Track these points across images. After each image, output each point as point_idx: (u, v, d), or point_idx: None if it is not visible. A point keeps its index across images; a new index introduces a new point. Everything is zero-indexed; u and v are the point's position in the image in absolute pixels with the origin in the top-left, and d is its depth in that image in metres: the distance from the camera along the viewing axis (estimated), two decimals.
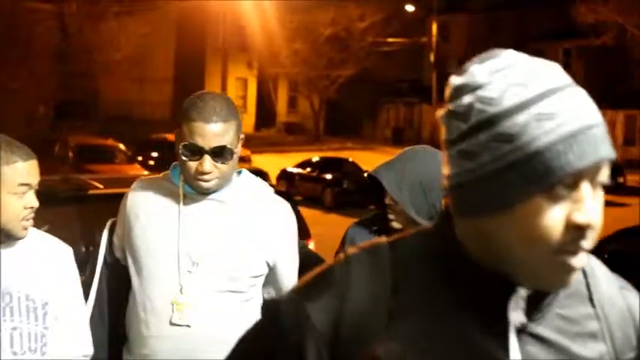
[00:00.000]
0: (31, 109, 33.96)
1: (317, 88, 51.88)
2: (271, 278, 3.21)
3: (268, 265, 3.16)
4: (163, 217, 3.08)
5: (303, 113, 56.87)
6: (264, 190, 3.24)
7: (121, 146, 25.64)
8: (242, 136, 3.07)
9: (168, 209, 3.09)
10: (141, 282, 3.08)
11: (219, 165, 2.97)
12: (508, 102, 1.32)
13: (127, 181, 3.67)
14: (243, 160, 25.85)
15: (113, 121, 39.56)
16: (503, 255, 1.36)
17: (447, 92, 1.40)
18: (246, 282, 3.08)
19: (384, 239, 1.49)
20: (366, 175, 3.55)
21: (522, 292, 1.38)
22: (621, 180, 33.96)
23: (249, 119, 53.49)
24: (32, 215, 2.79)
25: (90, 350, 3.03)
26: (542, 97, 1.32)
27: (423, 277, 1.42)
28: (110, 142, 26.19)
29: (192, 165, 2.97)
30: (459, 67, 1.42)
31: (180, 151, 2.98)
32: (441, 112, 1.40)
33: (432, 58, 49.75)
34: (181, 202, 3.07)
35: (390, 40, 50.08)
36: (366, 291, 1.41)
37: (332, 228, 12.83)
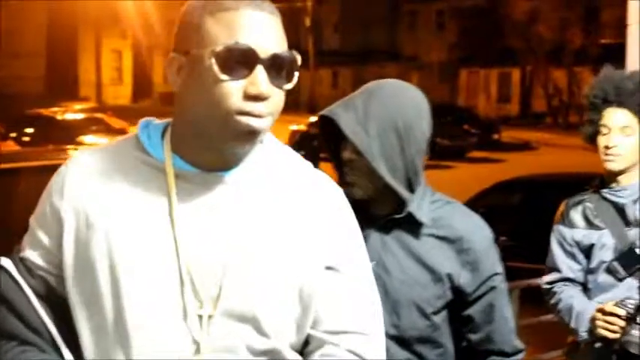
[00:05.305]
0: None
1: None
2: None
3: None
4: (143, 218, 1.73)
5: None
6: (293, 158, 1.88)
7: None
8: None
9: (149, 203, 1.74)
10: (108, 333, 1.73)
11: (274, 88, 1.69)
12: None
13: (1, 158, 3.48)
14: (120, 132, 25.39)
15: None
16: None
17: None
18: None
19: None
20: (316, 118, 2.52)
21: None
22: (496, 137, 34.75)
23: (126, 91, 52.67)
24: None
25: None
26: None
27: None
28: None
29: (235, 88, 1.65)
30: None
31: (212, 65, 1.66)
32: None
33: (307, 22, 49.71)
34: (173, 190, 1.73)
35: None
36: None
37: None
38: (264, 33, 1.68)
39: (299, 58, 1.72)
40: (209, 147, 1.72)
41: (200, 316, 1.70)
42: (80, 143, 23.10)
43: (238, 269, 1.70)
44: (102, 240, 1.72)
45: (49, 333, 1.78)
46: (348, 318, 1.79)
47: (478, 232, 2.50)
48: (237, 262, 1.70)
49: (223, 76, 1.65)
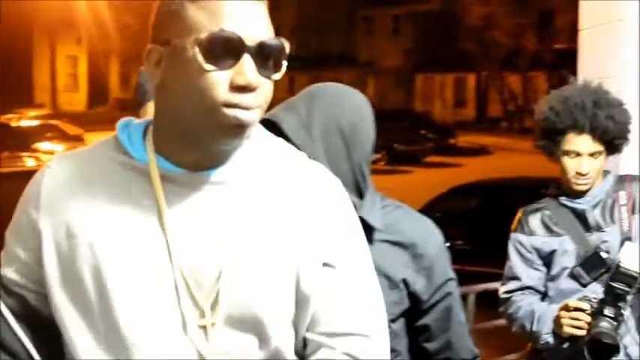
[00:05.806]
0: None
1: None
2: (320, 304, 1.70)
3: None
4: (130, 225, 1.61)
5: None
6: (285, 150, 1.77)
7: None
8: None
9: (135, 208, 1.62)
10: (103, 348, 1.61)
11: (262, 78, 1.58)
12: None
13: None
14: (76, 139, 25.19)
15: None
16: None
17: None
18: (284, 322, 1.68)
19: None
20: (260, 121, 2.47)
21: None
22: (453, 141, 34.94)
23: (82, 97, 52.30)
24: None
25: None
26: None
27: None
28: None
29: (221, 79, 1.53)
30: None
31: (196, 54, 1.53)
32: None
33: None
34: (161, 194, 1.61)
35: None
36: None
37: None
38: (250, 19, 1.55)
39: (287, 46, 1.62)
40: (194, 144, 1.59)
41: (204, 327, 1.58)
42: (35, 150, 22.94)
43: (232, 271, 1.59)
44: (87, 250, 1.59)
45: (30, 356, 1.68)
46: (346, 319, 1.68)
47: (430, 237, 2.39)
48: (230, 263, 1.59)
49: (208, 66, 1.52)
